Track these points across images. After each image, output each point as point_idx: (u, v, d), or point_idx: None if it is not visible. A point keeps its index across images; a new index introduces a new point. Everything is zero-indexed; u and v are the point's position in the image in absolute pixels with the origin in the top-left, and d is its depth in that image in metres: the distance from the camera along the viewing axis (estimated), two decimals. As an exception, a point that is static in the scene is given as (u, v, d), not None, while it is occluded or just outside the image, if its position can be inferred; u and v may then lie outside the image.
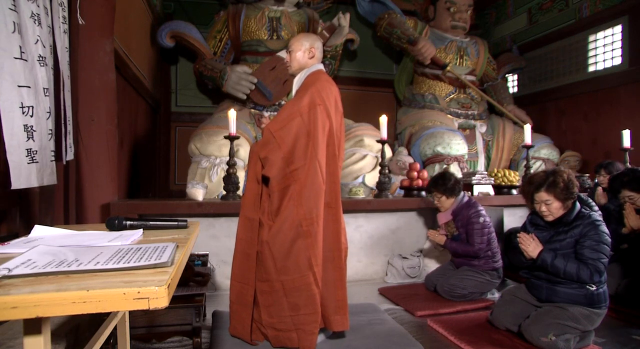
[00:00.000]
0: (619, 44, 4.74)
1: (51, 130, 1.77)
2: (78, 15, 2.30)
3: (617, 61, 4.75)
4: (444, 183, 3.00)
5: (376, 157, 4.30)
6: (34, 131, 1.60)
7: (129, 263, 0.80)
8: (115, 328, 1.42)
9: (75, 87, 2.46)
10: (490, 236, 2.92)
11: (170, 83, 5.56)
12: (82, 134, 2.58)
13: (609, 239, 2.06)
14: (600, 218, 2.11)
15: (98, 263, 0.79)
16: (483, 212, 2.94)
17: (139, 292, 0.66)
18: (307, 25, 4.84)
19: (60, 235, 1.13)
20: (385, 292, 3.14)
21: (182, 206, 3.03)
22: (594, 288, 2.05)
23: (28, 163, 1.56)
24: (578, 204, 2.14)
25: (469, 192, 3.08)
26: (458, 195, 3.02)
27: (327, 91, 2.08)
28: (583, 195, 2.24)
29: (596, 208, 2.22)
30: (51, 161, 1.77)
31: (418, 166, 3.93)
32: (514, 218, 3.87)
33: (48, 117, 1.74)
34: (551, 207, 2.12)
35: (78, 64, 2.49)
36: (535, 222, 2.27)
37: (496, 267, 2.91)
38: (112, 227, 1.23)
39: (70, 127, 2.22)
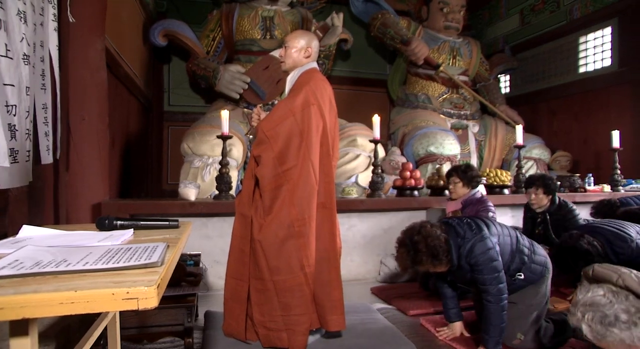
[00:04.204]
0: (608, 46, 4.80)
1: (28, 130, 1.76)
2: (68, 13, 2.28)
3: (607, 62, 4.81)
4: (465, 171, 2.99)
5: (369, 157, 4.31)
6: (16, 130, 1.59)
7: (118, 263, 0.79)
8: (105, 329, 1.41)
9: (66, 86, 2.44)
10: None
11: (163, 82, 5.53)
12: (73, 133, 2.56)
13: (493, 252, 1.93)
14: (476, 235, 1.96)
15: (87, 263, 0.78)
16: (492, 208, 2.93)
17: (128, 292, 0.66)
18: (300, 24, 4.84)
19: (49, 235, 1.11)
20: (378, 291, 3.15)
21: (175, 206, 3.02)
22: (522, 275, 2.04)
23: (11, 163, 1.54)
24: (452, 238, 1.98)
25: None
26: (474, 188, 3.02)
27: (321, 90, 2.07)
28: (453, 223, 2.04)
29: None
30: (26, 161, 1.75)
31: (411, 165, 3.95)
32: (505, 218, 3.90)
33: (27, 117, 1.72)
34: (436, 270, 2.03)
35: (68, 63, 2.47)
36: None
37: None
38: (102, 227, 1.22)
39: (58, 126, 2.20)
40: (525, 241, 2.14)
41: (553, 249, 2.59)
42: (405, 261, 2.00)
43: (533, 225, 3.23)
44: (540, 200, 3.12)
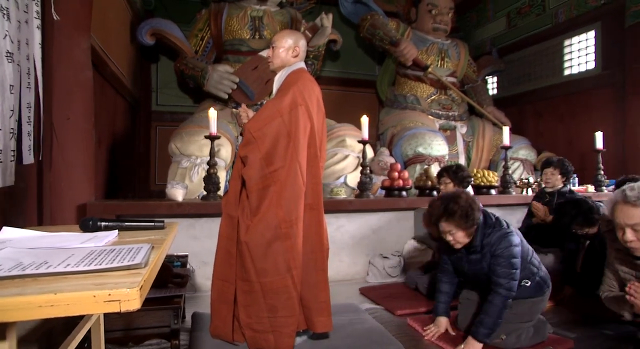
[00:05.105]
0: (592, 49, 4.89)
1: (13, 129, 1.73)
2: (52, 10, 2.24)
3: (591, 65, 4.90)
4: (456, 171, 3.04)
5: (358, 157, 4.32)
6: (-1, 130, 1.56)
7: (101, 264, 0.78)
8: (89, 331, 1.39)
9: (50, 85, 2.40)
10: None
11: (151, 81, 5.47)
12: (57, 133, 2.51)
13: (516, 250, 2.02)
14: (507, 231, 2.06)
15: (68, 265, 0.77)
16: (482, 209, 2.97)
17: (109, 294, 0.65)
18: (289, 25, 4.83)
19: (31, 237, 1.10)
20: (366, 292, 3.16)
21: (162, 207, 2.98)
22: (529, 282, 2.12)
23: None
24: (480, 219, 2.06)
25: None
26: (465, 188, 3.04)
27: (309, 91, 2.07)
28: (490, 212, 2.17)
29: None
30: (11, 161, 1.72)
31: (399, 166, 3.97)
32: (492, 218, 3.95)
33: (11, 116, 1.69)
34: (456, 236, 2.06)
35: (52, 61, 2.43)
36: (447, 249, 2.23)
37: None
38: (86, 228, 1.20)
39: (40, 126, 2.17)
40: (535, 255, 2.23)
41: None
42: (437, 210, 2.05)
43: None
44: (556, 180, 3.33)
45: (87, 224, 1.20)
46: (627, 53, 4.39)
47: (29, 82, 1.95)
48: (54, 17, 2.27)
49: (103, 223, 1.21)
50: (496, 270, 2.02)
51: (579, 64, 5.07)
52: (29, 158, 2.03)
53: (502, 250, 2.01)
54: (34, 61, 2.06)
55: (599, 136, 4.16)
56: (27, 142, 2.00)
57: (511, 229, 2.09)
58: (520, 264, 2.04)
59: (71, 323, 1.33)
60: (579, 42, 5.06)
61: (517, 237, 2.08)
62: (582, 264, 2.82)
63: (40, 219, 2.32)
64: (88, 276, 0.73)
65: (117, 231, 1.18)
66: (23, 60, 1.89)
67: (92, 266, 0.77)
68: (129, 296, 0.65)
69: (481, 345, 2.01)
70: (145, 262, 0.81)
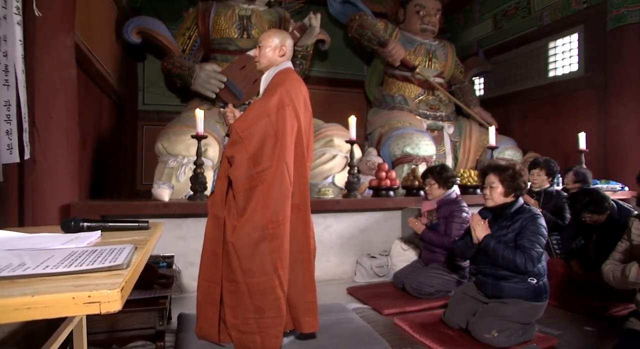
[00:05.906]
0: (575, 52, 4.98)
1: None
2: (34, 6, 2.19)
3: (575, 67, 4.99)
4: (440, 172, 3.11)
5: (346, 157, 4.32)
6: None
7: (81, 266, 0.77)
8: (71, 334, 1.36)
9: (32, 83, 2.35)
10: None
11: (137, 80, 5.40)
12: (40, 132, 2.46)
13: (545, 232, 2.22)
14: (539, 213, 2.27)
15: (47, 266, 0.76)
16: (466, 209, 3.03)
17: (89, 296, 0.64)
18: (278, 24, 4.82)
19: (10, 238, 1.07)
20: (354, 291, 3.17)
21: (148, 207, 2.95)
22: (535, 280, 2.18)
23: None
24: (521, 200, 2.31)
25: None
26: (449, 188, 3.12)
27: (297, 90, 2.07)
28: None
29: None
30: None
31: (386, 166, 3.99)
32: (478, 217, 3.99)
33: None
34: (494, 191, 2.27)
35: (35, 59, 2.38)
36: (483, 216, 2.39)
37: (463, 266, 2.99)
38: (67, 229, 1.18)
39: (26, 125, 2.12)
40: (545, 263, 2.32)
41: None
42: (494, 163, 2.37)
43: None
44: (542, 181, 3.49)
45: (69, 225, 1.18)
46: (609, 56, 4.48)
47: (7, 80, 1.91)
48: (36, 14, 2.23)
49: (85, 224, 1.19)
50: (523, 244, 2.15)
51: (563, 66, 5.16)
52: (9, 157, 1.99)
53: (531, 226, 2.18)
54: (14, 58, 2.01)
55: (582, 137, 4.24)
56: (7, 141, 1.96)
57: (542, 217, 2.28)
58: (544, 245, 2.17)
59: (53, 325, 1.31)
60: (563, 44, 5.15)
61: (545, 225, 2.26)
62: (595, 253, 2.87)
63: (21, 220, 2.27)
64: (68, 278, 0.71)
65: (99, 231, 1.16)
66: (1, 57, 1.85)
67: (72, 268, 0.75)
68: (109, 298, 0.64)
69: (484, 234, 2.21)
70: (127, 263, 0.80)
